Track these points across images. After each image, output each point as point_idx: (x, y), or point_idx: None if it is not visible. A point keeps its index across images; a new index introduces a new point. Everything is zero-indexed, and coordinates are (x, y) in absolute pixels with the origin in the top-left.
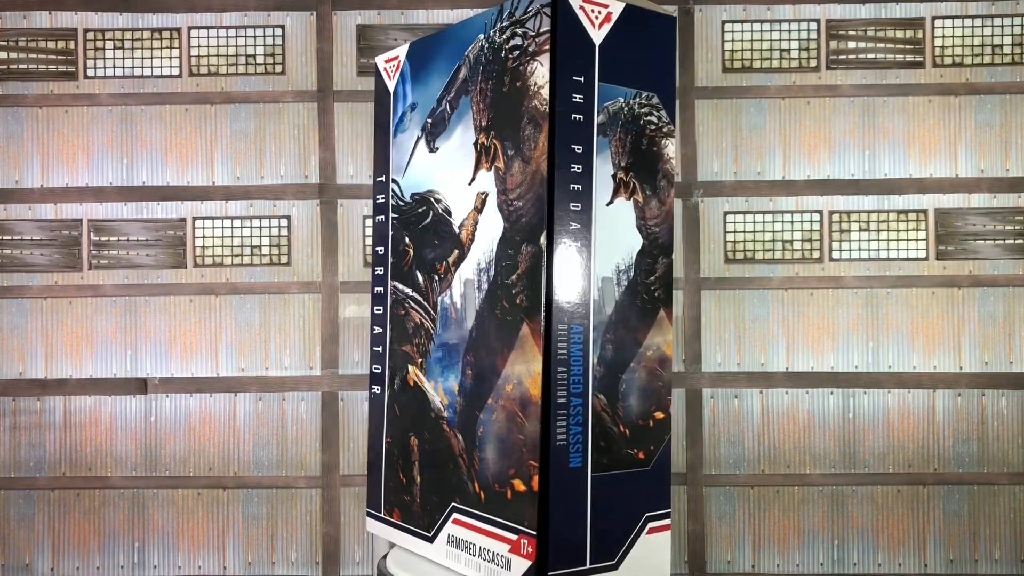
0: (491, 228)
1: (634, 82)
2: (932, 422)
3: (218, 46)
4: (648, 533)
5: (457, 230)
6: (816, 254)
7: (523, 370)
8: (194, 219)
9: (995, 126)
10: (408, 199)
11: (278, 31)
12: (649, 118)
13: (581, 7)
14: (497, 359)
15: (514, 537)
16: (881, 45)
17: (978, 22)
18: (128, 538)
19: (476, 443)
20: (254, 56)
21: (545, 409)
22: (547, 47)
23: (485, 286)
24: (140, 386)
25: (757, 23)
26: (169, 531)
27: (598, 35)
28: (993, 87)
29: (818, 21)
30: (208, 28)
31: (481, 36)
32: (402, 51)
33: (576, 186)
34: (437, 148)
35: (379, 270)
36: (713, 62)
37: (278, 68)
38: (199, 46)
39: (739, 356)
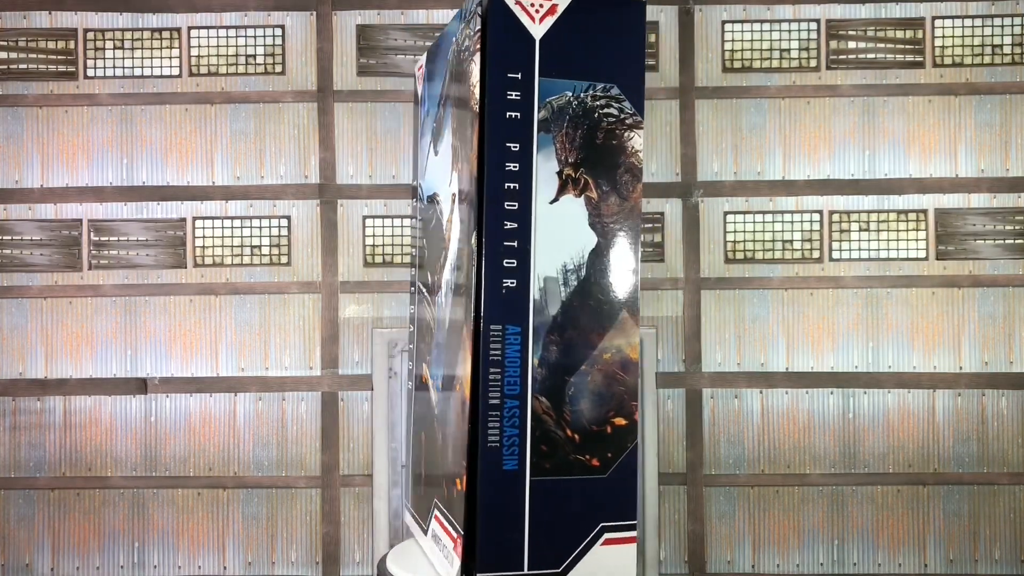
0: (456, 229)
1: (586, 74)
2: (932, 422)
3: (218, 46)
4: (604, 544)
5: (444, 231)
6: (816, 254)
7: (463, 372)
8: (194, 219)
9: (995, 126)
10: (425, 201)
11: (278, 31)
12: (607, 110)
13: (518, 3)
14: (455, 360)
15: (455, 535)
16: (881, 45)
17: (978, 22)
18: (128, 538)
19: (444, 441)
20: (254, 56)
21: (475, 410)
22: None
23: (452, 286)
24: (140, 386)
25: (757, 23)
26: (169, 531)
27: (539, 29)
28: (993, 87)
29: (818, 21)
30: (208, 28)
31: (454, 38)
32: (424, 56)
33: (512, 185)
34: (439, 151)
35: (413, 270)
36: (713, 62)
37: (278, 68)
38: (199, 46)
39: (739, 356)
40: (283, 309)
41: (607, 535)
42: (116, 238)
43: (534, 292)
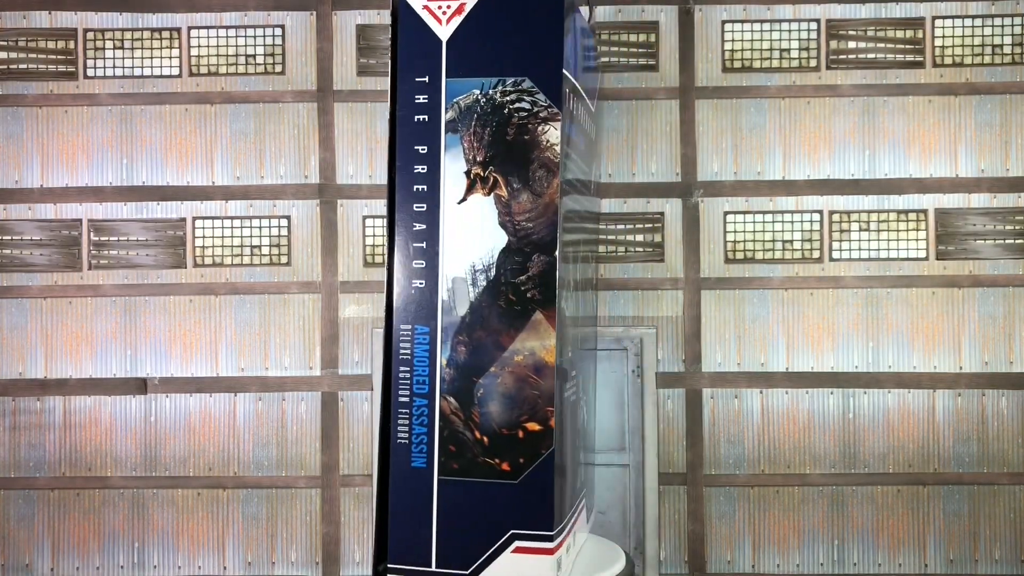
0: None
1: (496, 70)
2: (932, 422)
3: (218, 46)
4: (515, 552)
5: None
6: (816, 254)
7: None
8: (194, 219)
9: (995, 126)
10: None
11: (278, 31)
12: (519, 105)
13: (425, 6)
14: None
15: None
16: (881, 45)
17: (978, 22)
18: (128, 538)
19: None
20: (254, 56)
21: (386, 407)
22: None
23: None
24: (140, 386)
25: (757, 23)
26: (169, 531)
27: (446, 30)
28: (993, 87)
29: (818, 21)
30: (208, 28)
31: None
32: None
33: (420, 187)
34: None
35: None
36: (713, 62)
37: (278, 68)
38: (199, 46)
39: (739, 356)
40: (283, 309)
41: (518, 543)
42: (116, 238)
43: (442, 293)
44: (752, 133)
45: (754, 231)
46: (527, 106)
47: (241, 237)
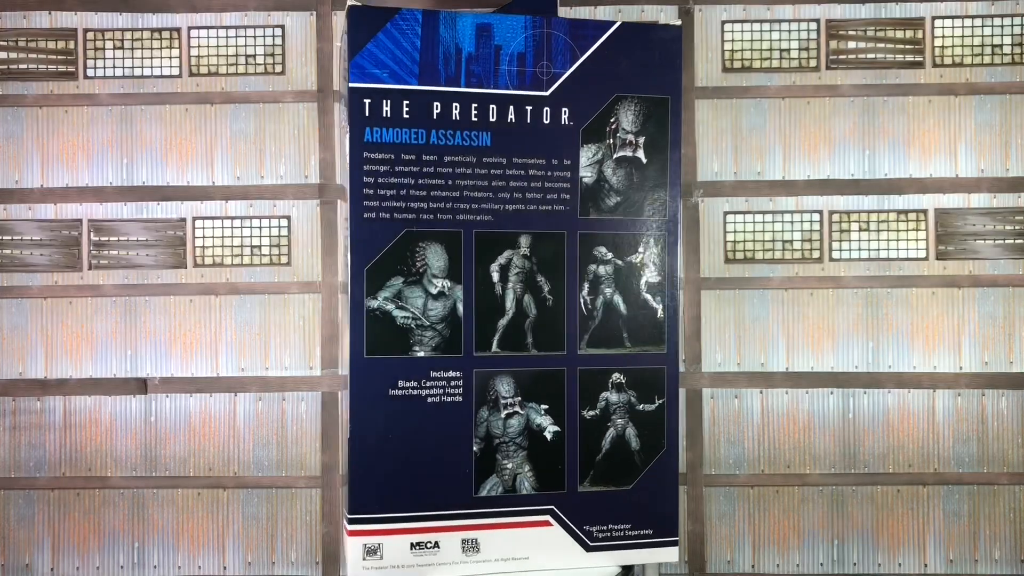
0: None
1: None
2: (932, 422)
3: (218, 46)
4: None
5: None
6: (816, 254)
7: None
8: (194, 219)
9: (995, 126)
10: None
11: (278, 31)
12: None
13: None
14: None
15: None
16: (881, 45)
17: (978, 22)
18: (128, 538)
19: None
20: (254, 56)
21: None
22: None
23: None
24: (140, 386)
25: (757, 23)
26: (169, 531)
27: None
28: (993, 87)
29: (818, 21)
30: (208, 28)
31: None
32: None
33: None
34: None
35: None
36: (713, 62)
37: (278, 68)
38: (199, 46)
39: (739, 356)
40: (283, 309)
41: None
42: (116, 238)
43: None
44: (752, 133)
45: (754, 231)
46: None
47: (241, 237)
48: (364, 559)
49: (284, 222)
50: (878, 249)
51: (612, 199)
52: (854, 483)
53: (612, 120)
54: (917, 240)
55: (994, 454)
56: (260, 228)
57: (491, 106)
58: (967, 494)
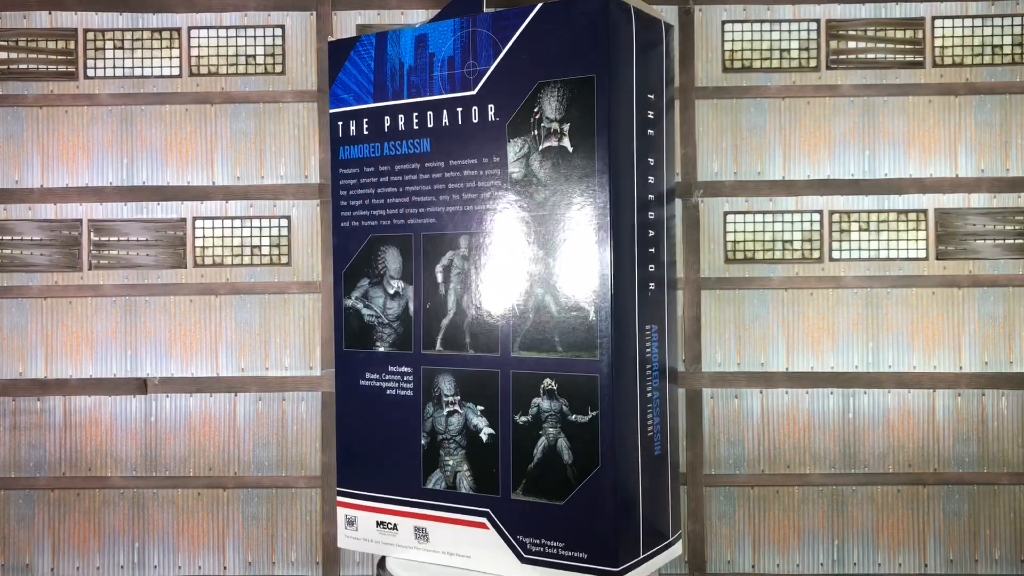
0: None
1: None
2: (932, 422)
3: (218, 46)
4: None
5: None
6: (816, 254)
7: None
8: (194, 219)
9: (995, 126)
10: None
11: (278, 31)
12: None
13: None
14: None
15: None
16: (881, 45)
17: (978, 22)
18: (128, 538)
19: None
20: (254, 56)
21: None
22: None
23: None
24: (140, 386)
25: (757, 23)
26: (169, 531)
27: None
28: (993, 87)
29: (818, 21)
30: (208, 28)
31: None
32: None
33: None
34: None
35: None
36: (713, 62)
37: (278, 68)
38: (199, 46)
39: (739, 356)
40: (283, 309)
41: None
42: (116, 238)
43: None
44: (752, 133)
45: (754, 231)
46: None
47: (241, 237)
48: (345, 528)
49: (284, 222)
50: (878, 249)
51: (541, 193)
52: (854, 483)
53: (536, 110)
54: (917, 240)
55: (994, 454)
56: (260, 228)
57: (428, 112)
58: (967, 494)
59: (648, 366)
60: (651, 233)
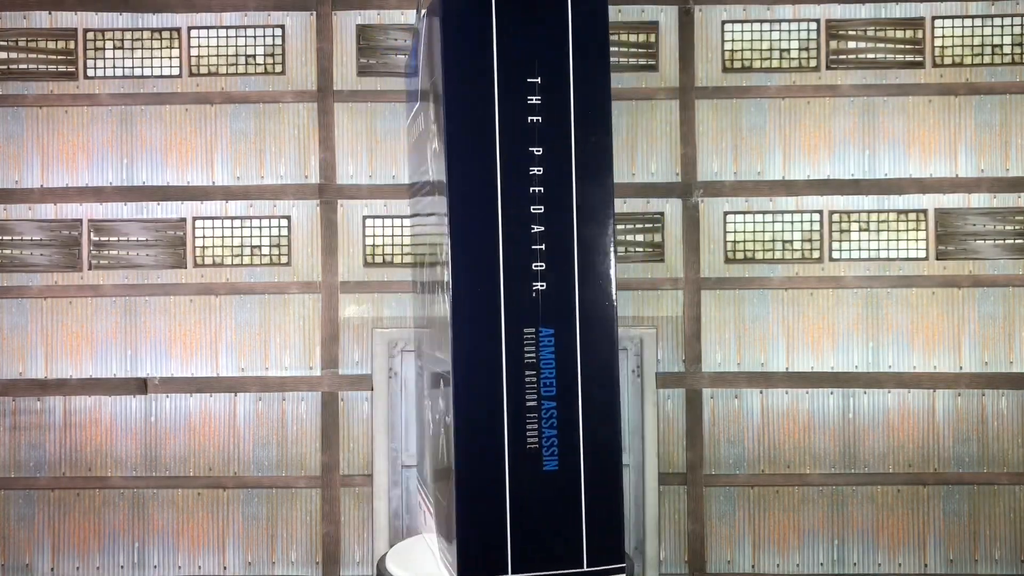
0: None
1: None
2: (932, 422)
3: (218, 46)
4: None
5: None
6: (816, 254)
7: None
8: (194, 219)
9: (995, 126)
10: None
11: (278, 31)
12: None
13: None
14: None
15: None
16: (881, 45)
17: (978, 22)
18: (128, 538)
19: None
20: (254, 56)
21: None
22: None
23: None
24: (140, 386)
25: (757, 23)
26: (169, 531)
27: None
28: (993, 87)
29: (818, 21)
30: (208, 28)
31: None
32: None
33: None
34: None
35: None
36: (713, 62)
37: (278, 68)
38: (199, 46)
39: (739, 356)
40: (283, 309)
41: None
42: (116, 238)
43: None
44: (752, 133)
45: (754, 231)
46: None
47: (241, 237)
48: None
49: (284, 222)
50: (878, 249)
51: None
52: (854, 483)
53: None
54: (917, 240)
55: (994, 454)
56: (260, 228)
57: None
58: (967, 494)
59: (530, 372)
60: (536, 229)
